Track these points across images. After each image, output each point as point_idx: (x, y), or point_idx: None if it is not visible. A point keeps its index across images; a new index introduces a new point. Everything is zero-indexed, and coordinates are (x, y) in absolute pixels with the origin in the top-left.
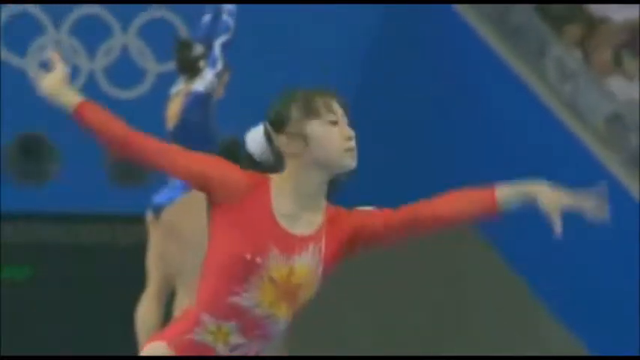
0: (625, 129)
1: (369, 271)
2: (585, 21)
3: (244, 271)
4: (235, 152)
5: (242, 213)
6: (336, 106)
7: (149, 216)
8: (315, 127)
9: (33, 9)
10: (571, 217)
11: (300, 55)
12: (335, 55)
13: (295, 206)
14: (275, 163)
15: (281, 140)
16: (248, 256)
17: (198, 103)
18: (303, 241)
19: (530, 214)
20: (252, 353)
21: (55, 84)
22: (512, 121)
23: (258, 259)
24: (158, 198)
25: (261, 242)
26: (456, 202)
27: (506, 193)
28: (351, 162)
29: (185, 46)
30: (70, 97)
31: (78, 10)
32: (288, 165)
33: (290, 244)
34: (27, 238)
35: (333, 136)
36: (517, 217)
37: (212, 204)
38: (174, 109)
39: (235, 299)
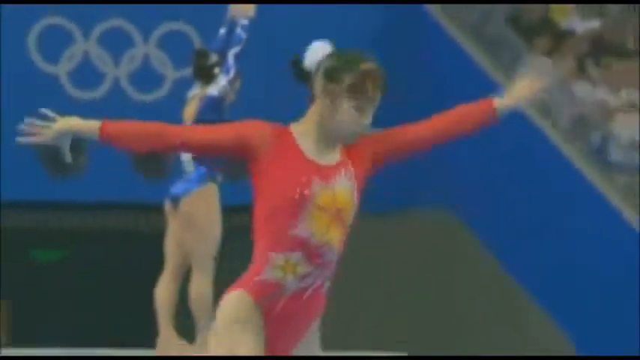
0: (588, 128)
1: (367, 269)
2: (553, 33)
3: (296, 206)
4: None
5: (276, 158)
6: (376, 98)
7: (167, 206)
8: (345, 104)
9: (64, 21)
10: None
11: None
12: None
13: (318, 144)
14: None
15: (319, 84)
16: (296, 193)
17: (213, 105)
18: (334, 168)
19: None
20: (318, 284)
21: (68, 121)
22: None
23: (306, 192)
24: (175, 189)
25: (302, 177)
26: (462, 115)
27: (499, 102)
28: (348, 140)
29: (202, 55)
30: (91, 125)
31: (104, 22)
32: (312, 106)
33: (325, 173)
34: (60, 224)
35: (350, 119)
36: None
37: (251, 162)
38: (190, 111)
39: (294, 232)
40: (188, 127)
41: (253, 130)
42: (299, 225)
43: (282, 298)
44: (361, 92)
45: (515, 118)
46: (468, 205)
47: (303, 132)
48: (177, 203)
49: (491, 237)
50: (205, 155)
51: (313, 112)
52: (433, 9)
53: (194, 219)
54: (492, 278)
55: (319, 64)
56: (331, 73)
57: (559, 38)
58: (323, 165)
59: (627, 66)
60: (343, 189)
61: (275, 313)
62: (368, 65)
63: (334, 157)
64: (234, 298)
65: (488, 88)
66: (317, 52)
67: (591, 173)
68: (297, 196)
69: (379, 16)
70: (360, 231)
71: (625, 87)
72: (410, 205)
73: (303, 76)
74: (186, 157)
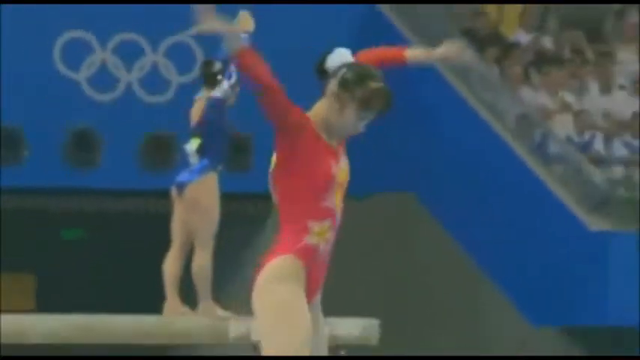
0: (531, 126)
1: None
2: (501, 45)
3: (329, 183)
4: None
5: (309, 142)
6: (377, 113)
7: (174, 192)
8: (352, 113)
9: (84, 34)
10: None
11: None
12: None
13: (326, 132)
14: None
15: (333, 87)
16: (329, 174)
17: (216, 106)
18: (338, 150)
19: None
20: (329, 247)
21: (221, 24)
22: (447, 119)
23: (333, 171)
24: (181, 178)
25: (330, 160)
26: (381, 58)
27: (411, 54)
28: (341, 137)
29: (208, 64)
30: (235, 43)
31: (119, 35)
32: (323, 100)
33: (337, 155)
34: (81, 208)
35: (351, 125)
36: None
37: (288, 139)
38: (197, 110)
39: (325, 203)
40: (284, 98)
41: (301, 113)
42: (328, 198)
43: (316, 259)
44: (367, 106)
45: (467, 116)
46: (429, 189)
47: (316, 122)
48: (183, 190)
49: (449, 219)
50: (269, 113)
51: (322, 107)
52: (399, 22)
53: (198, 203)
54: (450, 255)
55: (338, 69)
56: (346, 83)
57: (507, 49)
58: (334, 149)
59: (563, 73)
60: (345, 166)
61: (312, 273)
62: (377, 85)
63: (336, 140)
64: (289, 261)
65: (445, 88)
66: (338, 57)
67: (533, 164)
68: (329, 177)
69: (351, 23)
70: None
71: (561, 91)
72: (376, 189)
73: (322, 74)
74: (191, 150)
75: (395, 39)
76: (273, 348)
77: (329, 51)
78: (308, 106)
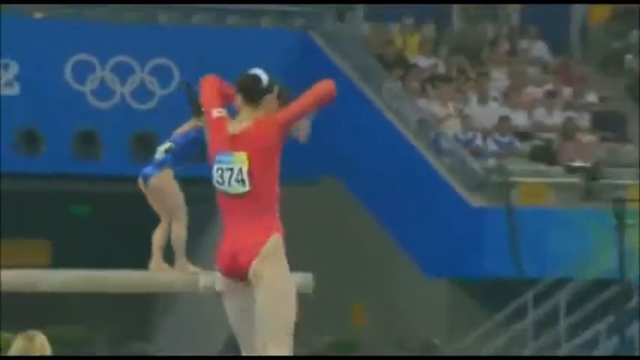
0: (427, 128)
1: None
2: (404, 66)
3: None
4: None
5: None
6: None
7: (140, 181)
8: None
9: (89, 56)
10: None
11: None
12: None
13: None
14: None
15: (272, 96)
16: None
17: (197, 136)
18: None
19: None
20: None
21: None
22: (366, 122)
23: None
24: (145, 170)
25: None
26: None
27: None
28: None
29: (195, 93)
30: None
31: (115, 57)
32: (257, 107)
33: None
34: (87, 189)
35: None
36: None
37: (279, 143)
38: (182, 130)
39: None
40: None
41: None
42: None
43: None
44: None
45: (380, 121)
46: (352, 176)
47: None
48: (147, 181)
49: (368, 199)
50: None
51: (261, 111)
52: (327, 48)
53: (162, 191)
54: (369, 229)
55: (269, 85)
56: (279, 91)
57: (408, 69)
58: None
59: (451, 88)
60: None
61: None
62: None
63: None
64: (282, 240)
65: (364, 99)
66: (266, 77)
67: (429, 156)
68: None
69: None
70: None
71: (449, 101)
72: (307, 175)
73: (264, 90)
74: (160, 149)
75: (324, 62)
76: (285, 306)
77: (253, 72)
78: None
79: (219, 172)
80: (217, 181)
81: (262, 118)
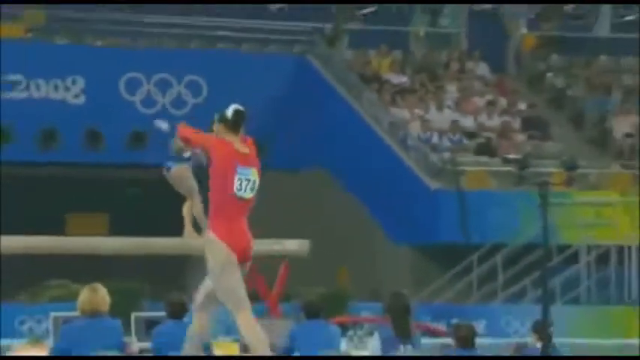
0: (397, 128)
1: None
2: (379, 81)
3: None
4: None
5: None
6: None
7: (164, 171)
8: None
9: (138, 74)
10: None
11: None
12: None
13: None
14: None
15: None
16: None
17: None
18: None
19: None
20: None
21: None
22: (349, 124)
23: None
24: (168, 164)
25: None
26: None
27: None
28: None
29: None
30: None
31: (156, 75)
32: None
33: None
34: (138, 176)
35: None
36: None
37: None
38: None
39: None
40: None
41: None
42: None
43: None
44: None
45: (361, 125)
46: (338, 166)
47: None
48: (169, 171)
49: (352, 186)
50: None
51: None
52: (322, 69)
53: (180, 178)
54: (350, 208)
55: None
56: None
57: (382, 84)
58: None
59: (415, 98)
60: None
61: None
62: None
63: None
64: (223, 247)
65: (347, 105)
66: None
67: (399, 151)
68: None
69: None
70: (268, 183)
71: (414, 108)
72: (299, 166)
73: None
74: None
75: (318, 79)
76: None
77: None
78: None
79: (239, 181)
80: (237, 188)
81: (251, 143)
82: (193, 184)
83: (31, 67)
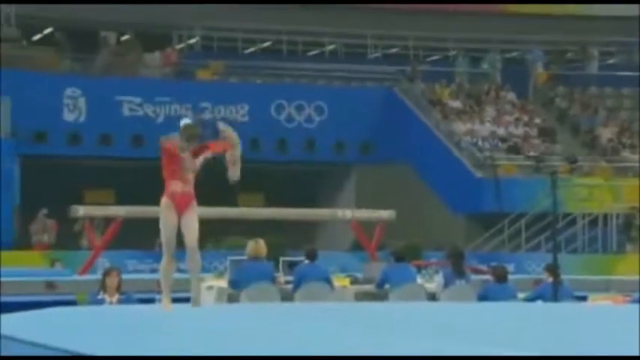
0: (454, 136)
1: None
2: (442, 105)
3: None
4: None
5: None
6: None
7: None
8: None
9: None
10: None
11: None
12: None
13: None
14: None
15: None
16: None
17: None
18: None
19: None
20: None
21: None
22: (423, 136)
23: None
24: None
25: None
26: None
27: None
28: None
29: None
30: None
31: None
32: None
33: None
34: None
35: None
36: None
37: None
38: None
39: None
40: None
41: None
42: None
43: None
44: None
45: (432, 135)
46: (416, 162)
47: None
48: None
49: (424, 175)
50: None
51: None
52: (406, 98)
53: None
54: (433, 201)
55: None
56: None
57: (444, 107)
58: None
59: (467, 116)
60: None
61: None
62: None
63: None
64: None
65: (421, 123)
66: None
67: (455, 150)
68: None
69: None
70: (371, 172)
71: (466, 123)
72: (390, 162)
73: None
74: None
75: (403, 106)
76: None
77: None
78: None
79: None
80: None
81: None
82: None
83: (215, 98)
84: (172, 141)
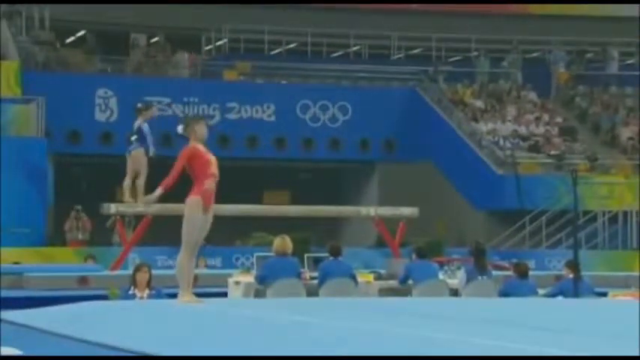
0: (476, 135)
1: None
2: (463, 104)
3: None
4: None
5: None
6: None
7: (127, 153)
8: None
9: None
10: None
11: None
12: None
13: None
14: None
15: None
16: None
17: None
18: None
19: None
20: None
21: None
22: (445, 134)
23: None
24: (130, 147)
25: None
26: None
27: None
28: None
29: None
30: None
31: (320, 102)
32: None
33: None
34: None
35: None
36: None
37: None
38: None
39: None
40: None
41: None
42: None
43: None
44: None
45: (454, 134)
46: (438, 159)
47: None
48: (130, 153)
49: (447, 172)
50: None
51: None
52: (427, 98)
53: (139, 157)
54: (455, 198)
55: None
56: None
57: (466, 106)
58: None
59: (488, 115)
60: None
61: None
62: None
63: None
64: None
65: (444, 122)
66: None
67: (477, 149)
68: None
69: (399, 100)
70: (395, 170)
71: (488, 122)
72: (414, 160)
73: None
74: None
75: (425, 105)
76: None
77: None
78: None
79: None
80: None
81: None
82: (145, 160)
83: (242, 98)
84: (195, 145)
